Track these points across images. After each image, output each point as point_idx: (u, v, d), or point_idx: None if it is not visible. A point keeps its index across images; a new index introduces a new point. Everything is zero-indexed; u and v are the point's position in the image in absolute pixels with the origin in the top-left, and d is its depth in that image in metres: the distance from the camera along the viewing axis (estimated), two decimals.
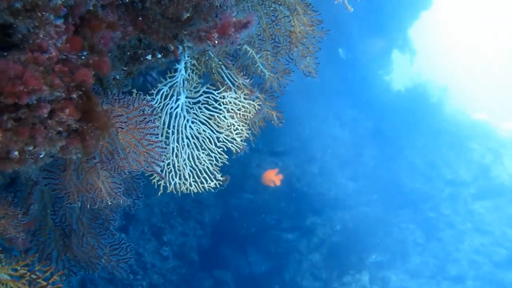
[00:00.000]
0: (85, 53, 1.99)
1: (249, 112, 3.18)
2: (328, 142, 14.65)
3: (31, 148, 1.83)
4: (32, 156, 1.86)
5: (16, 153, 1.80)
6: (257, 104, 3.21)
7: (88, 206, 2.34)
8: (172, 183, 3.17)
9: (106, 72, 2.05)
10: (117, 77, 2.62)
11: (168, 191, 3.14)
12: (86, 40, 1.98)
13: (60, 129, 1.85)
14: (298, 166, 13.58)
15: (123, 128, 2.32)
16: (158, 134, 2.39)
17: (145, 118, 2.37)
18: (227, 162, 3.22)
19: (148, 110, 2.39)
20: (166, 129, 3.14)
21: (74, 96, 1.86)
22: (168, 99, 3.13)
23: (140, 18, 2.38)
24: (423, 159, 15.85)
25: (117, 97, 2.37)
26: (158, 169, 2.37)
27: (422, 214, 14.39)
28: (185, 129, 3.17)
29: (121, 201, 2.40)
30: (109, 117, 2.00)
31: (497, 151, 15.90)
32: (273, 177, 9.91)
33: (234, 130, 3.18)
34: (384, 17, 16.46)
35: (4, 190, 2.60)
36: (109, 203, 2.37)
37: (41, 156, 1.89)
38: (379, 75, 19.03)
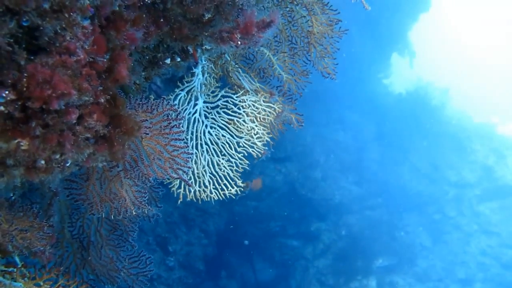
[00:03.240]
0: (107, 56, 1.91)
1: (269, 115, 3.09)
2: (331, 147, 14.58)
3: (58, 156, 1.73)
4: (59, 165, 1.76)
5: (43, 161, 1.71)
6: (277, 107, 3.12)
7: (112, 216, 2.24)
8: (192, 191, 3.06)
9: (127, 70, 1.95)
10: (137, 81, 2.53)
11: (188, 199, 3.04)
12: (110, 42, 1.89)
13: (88, 135, 1.75)
14: (301, 172, 13.50)
15: (147, 134, 2.23)
16: (183, 139, 2.30)
17: (170, 123, 2.28)
18: (247, 168, 3.13)
19: (173, 114, 2.30)
20: (184, 135, 3.05)
21: (102, 100, 1.77)
22: (186, 104, 3.03)
23: (161, 20, 2.30)
24: (426, 162, 15.75)
25: (140, 102, 2.28)
26: (184, 176, 2.27)
27: (427, 217, 14.30)
28: (204, 134, 3.07)
29: (146, 211, 2.30)
30: (136, 120, 1.90)
31: (500, 152, 15.81)
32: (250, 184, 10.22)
33: (255, 134, 3.08)
34: (383, 21, 16.46)
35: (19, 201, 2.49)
36: (134, 213, 2.26)
37: (67, 164, 1.80)
38: (378, 79, 19.02)
